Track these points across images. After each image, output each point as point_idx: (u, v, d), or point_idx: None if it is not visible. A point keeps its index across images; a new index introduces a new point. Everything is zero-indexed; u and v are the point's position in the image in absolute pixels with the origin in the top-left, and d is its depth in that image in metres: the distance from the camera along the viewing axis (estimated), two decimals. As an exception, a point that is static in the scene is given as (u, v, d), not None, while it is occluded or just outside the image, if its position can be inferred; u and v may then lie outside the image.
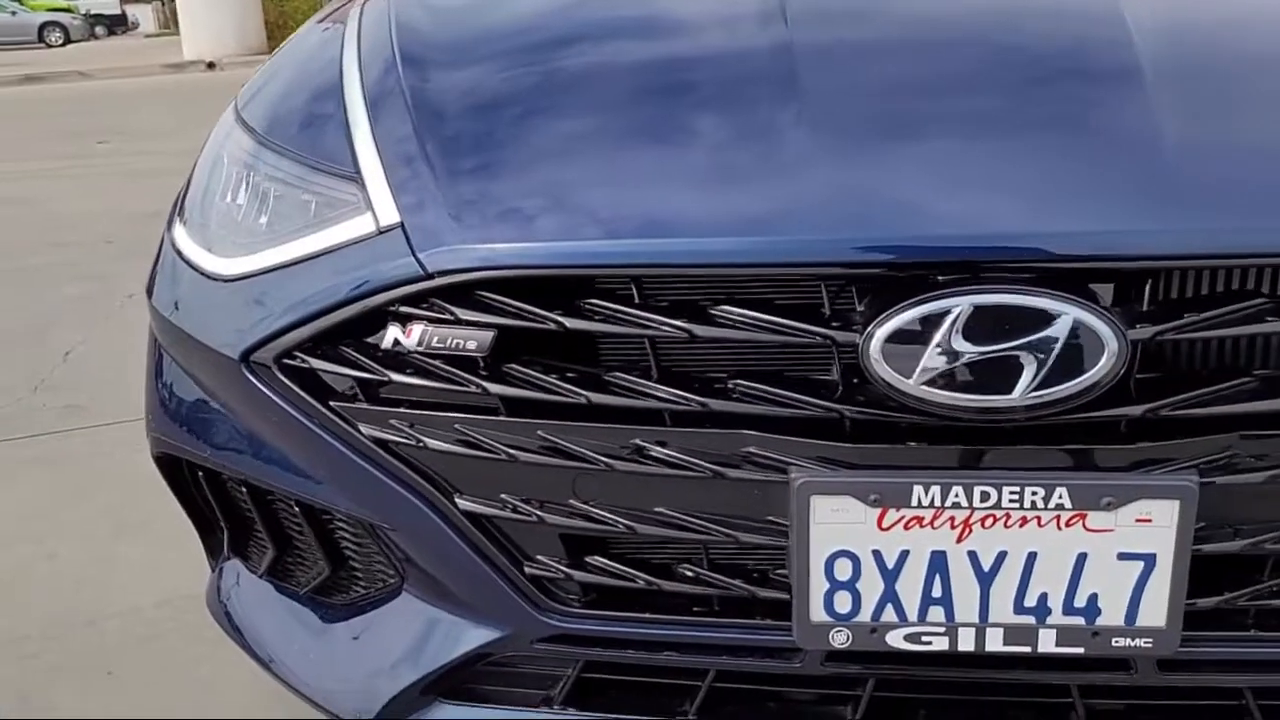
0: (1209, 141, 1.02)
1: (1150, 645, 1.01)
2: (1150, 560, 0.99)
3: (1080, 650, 1.02)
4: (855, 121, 1.07)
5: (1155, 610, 1.00)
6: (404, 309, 1.08)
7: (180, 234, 1.32)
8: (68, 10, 30.48)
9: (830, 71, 1.12)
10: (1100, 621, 1.01)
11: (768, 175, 1.04)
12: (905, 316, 0.95)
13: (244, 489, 1.28)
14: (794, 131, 1.05)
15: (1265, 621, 1.05)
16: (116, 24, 32.23)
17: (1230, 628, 1.05)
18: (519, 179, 1.11)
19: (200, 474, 1.33)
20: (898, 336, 0.96)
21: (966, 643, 1.03)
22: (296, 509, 1.25)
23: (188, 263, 1.28)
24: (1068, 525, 0.98)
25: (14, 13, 27.03)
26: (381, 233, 1.10)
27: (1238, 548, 1.00)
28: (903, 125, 1.06)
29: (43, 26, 26.41)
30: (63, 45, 25.29)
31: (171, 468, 1.36)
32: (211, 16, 16.13)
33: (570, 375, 1.05)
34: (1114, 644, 1.02)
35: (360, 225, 1.12)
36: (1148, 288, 0.96)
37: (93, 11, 31.96)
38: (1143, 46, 1.10)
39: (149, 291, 1.34)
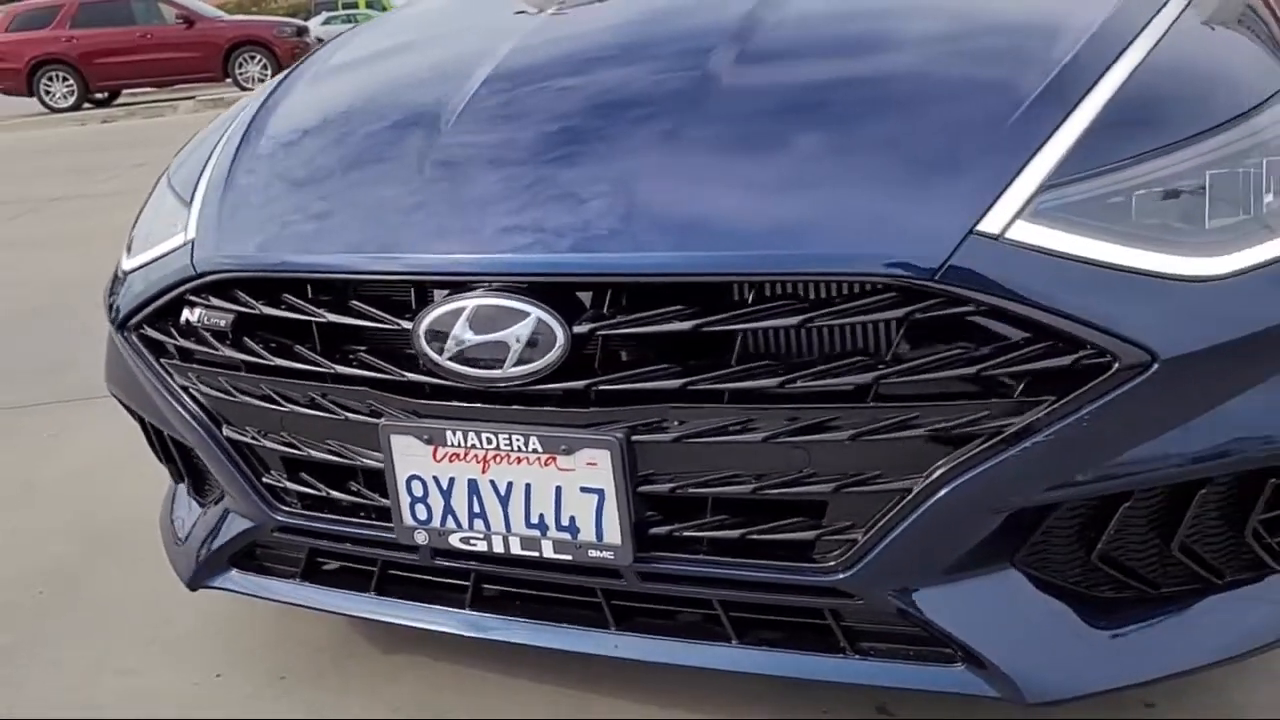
0: (659, 187, 1.37)
1: (612, 558, 1.38)
2: (602, 494, 1.36)
3: (570, 558, 1.40)
4: (447, 183, 1.50)
5: (613, 531, 1.37)
6: (191, 297, 1.61)
7: (124, 252, 1.91)
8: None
9: (454, 148, 1.54)
10: (581, 538, 1.39)
11: (381, 218, 1.49)
12: (436, 312, 1.38)
13: (142, 419, 1.86)
14: (406, 189, 1.51)
15: (716, 548, 1.39)
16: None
17: (685, 550, 1.39)
18: (259, 214, 1.61)
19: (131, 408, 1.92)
20: (435, 325, 1.38)
21: (499, 546, 1.44)
22: (162, 432, 1.81)
23: (118, 266, 1.87)
24: (546, 465, 1.37)
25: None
26: (184, 245, 1.64)
27: (667, 489, 1.35)
28: (470, 182, 1.48)
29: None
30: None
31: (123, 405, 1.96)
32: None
33: (271, 345, 1.54)
34: (590, 555, 1.39)
35: (180, 239, 1.67)
36: (608, 296, 1.34)
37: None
38: (694, 99, 1.45)
39: (107, 291, 1.94)
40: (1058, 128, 1.31)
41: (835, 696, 1.63)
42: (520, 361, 1.34)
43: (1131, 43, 1.43)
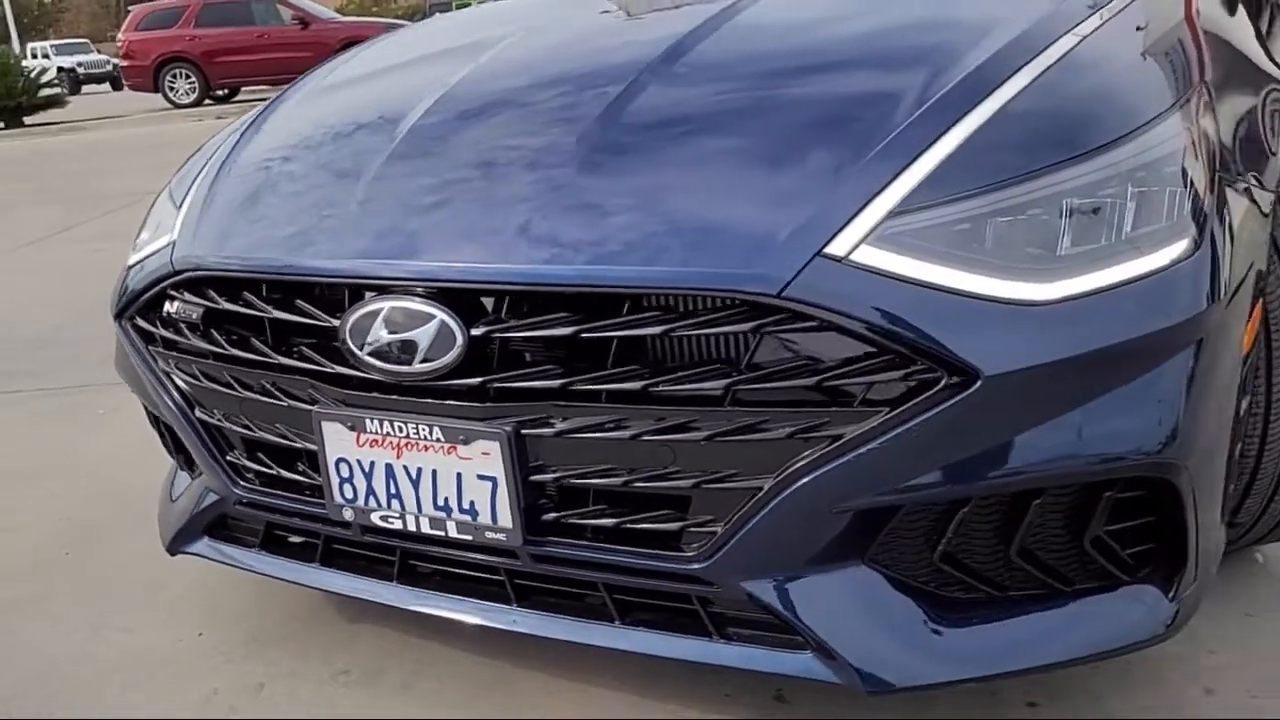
0: (547, 206, 1.50)
1: (505, 539, 1.52)
2: (495, 481, 1.50)
3: (471, 538, 1.55)
4: (374, 198, 1.66)
5: (505, 515, 1.51)
6: (171, 292, 1.80)
7: (131, 248, 2.12)
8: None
9: (389, 167, 1.70)
10: (479, 520, 1.53)
11: (325, 233, 1.65)
12: (359, 312, 1.54)
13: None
14: (342, 202, 1.67)
15: (598, 535, 1.51)
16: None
17: (571, 535, 1.52)
18: (226, 220, 1.80)
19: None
20: (358, 324, 1.54)
21: (412, 525, 1.59)
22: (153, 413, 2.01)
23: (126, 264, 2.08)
24: (448, 453, 1.52)
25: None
26: (169, 244, 1.83)
27: (552, 479, 1.48)
28: (393, 199, 1.64)
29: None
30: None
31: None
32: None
33: (233, 338, 1.72)
34: (488, 536, 1.53)
35: (167, 239, 1.86)
36: (507, 303, 1.48)
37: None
38: (588, 124, 1.59)
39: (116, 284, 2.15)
40: (917, 157, 1.40)
41: (737, 682, 1.75)
42: (426, 359, 1.49)
43: (1016, 72, 1.51)
